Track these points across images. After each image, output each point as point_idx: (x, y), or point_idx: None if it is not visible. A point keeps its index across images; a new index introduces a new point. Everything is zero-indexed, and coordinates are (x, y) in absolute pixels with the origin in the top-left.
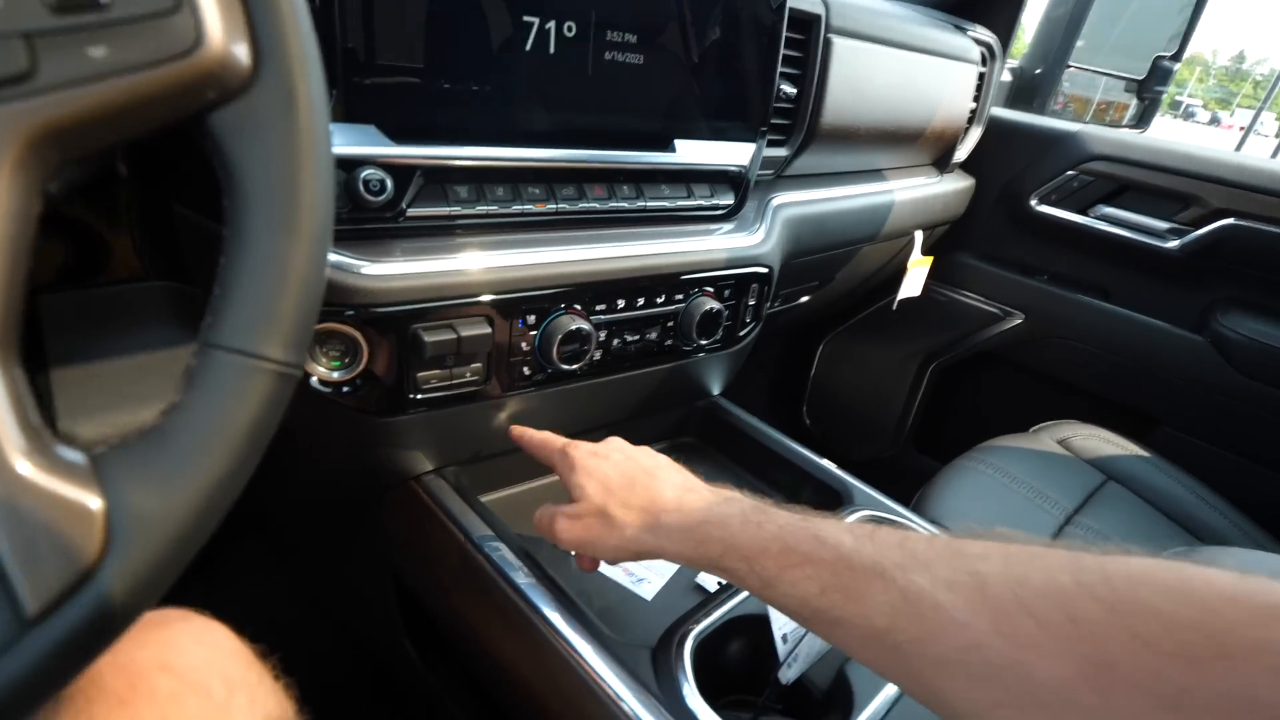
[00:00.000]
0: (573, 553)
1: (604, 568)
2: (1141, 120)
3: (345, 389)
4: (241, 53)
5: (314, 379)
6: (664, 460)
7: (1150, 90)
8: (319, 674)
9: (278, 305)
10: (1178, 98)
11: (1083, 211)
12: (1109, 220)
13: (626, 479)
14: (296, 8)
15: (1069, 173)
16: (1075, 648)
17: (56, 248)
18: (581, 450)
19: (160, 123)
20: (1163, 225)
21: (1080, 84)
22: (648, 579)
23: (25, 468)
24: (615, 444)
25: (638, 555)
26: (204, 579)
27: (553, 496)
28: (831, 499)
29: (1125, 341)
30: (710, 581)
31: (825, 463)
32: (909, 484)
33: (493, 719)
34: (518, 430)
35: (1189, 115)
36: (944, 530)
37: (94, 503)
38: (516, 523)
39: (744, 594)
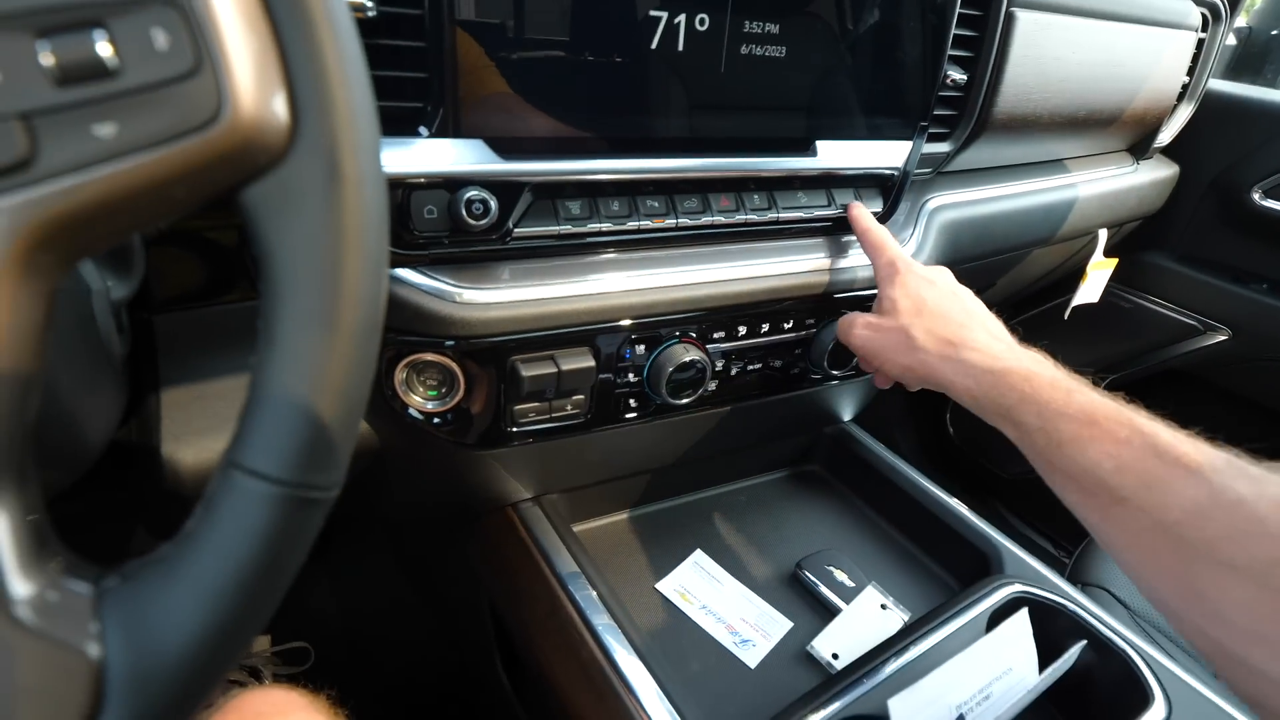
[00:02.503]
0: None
1: (705, 623)
2: None
3: (438, 420)
4: (277, 115)
5: (410, 409)
6: (984, 310)
7: None
8: (418, 678)
9: (308, 421)
10: None
11: None
12: None
13: (942, 310)
14: (345, 51)
15: None
16: None
17: (194, 264)
18: (909, 268)
19: (184, 204)
20: None
21: None
22: (754, 641)
23: (26, 610)
24: (944, 275)
25: (923, 380)
26: (328, 568)
27: (652, 527)
28: (974, 561)
29: None
30: (825, 652)
31: (971, 516)
32: (1068, 514)
33: None
34: (859, 214)
35: None
36: (1114, 601)
37: (92, 651)
38: (612, 556)
39: (864, 687)
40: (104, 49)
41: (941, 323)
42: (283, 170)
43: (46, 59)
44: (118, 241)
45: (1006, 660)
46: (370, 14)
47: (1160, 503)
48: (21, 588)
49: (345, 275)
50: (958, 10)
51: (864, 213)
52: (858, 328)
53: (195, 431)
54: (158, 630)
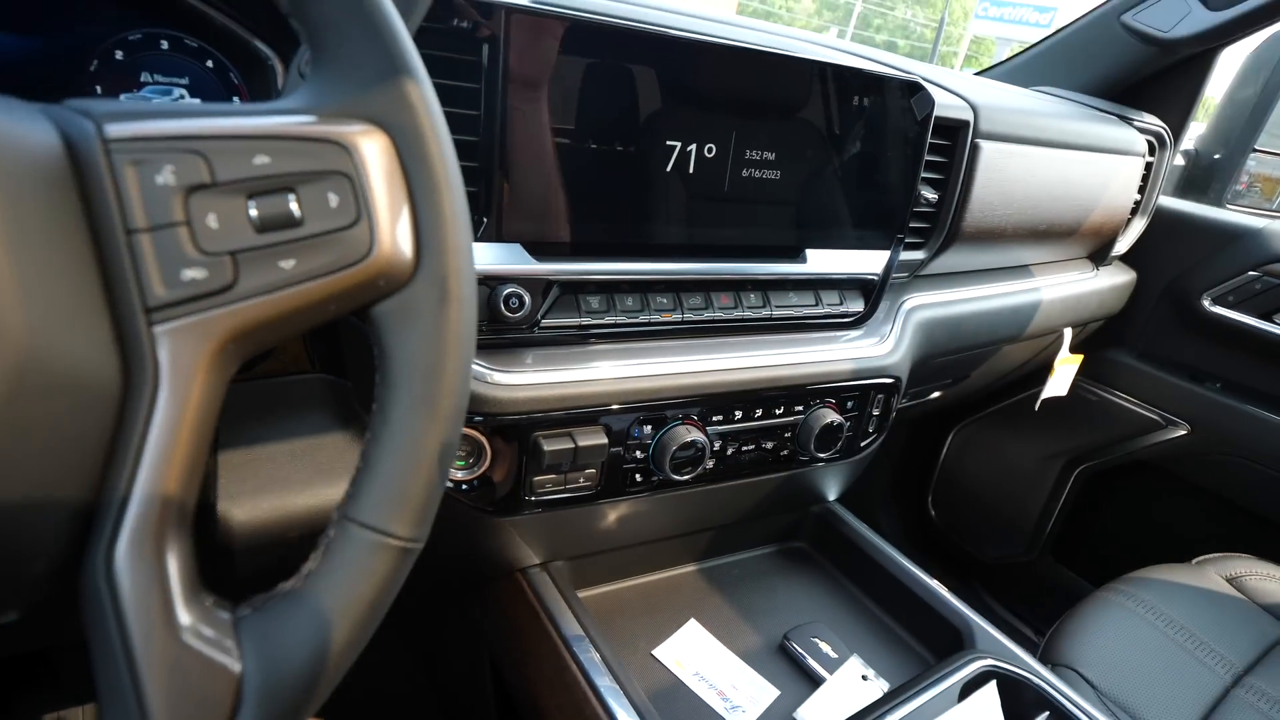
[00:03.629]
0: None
1: (698, 689)
2: None
3: (465, 487)
4: (406, 253)
5: None
6: None
7: None
8: None
9: (410, 486)
10: None
11: (1267, 317)
12: None
13: None
14: (458, 211)
15: (1250, 273)
16: None
17: None
18: None
19: (332, 316)
20: None
21: (1270, 167)
22: (743, 707)
23: (189, 634)
24: None
25: None
26: None
27: (650, 596)
28: (949, 637)
29: None
30: None
31: (946, 594)
32: (1044, 599)
33: None
34: None
35: None
36: (1083, 681)
37: (234, 666)
38: (612, 622)
39: None
40: (294, 207)
41: None
42: (406, 293)
43: (253, 212)
44: (283, 340)
45: None
46: None
47: None
48: (185, 616)
49: (446, 373)
50: (929, 141)
51: None
52: None
53: (248, 491)
54: (284, 650)
